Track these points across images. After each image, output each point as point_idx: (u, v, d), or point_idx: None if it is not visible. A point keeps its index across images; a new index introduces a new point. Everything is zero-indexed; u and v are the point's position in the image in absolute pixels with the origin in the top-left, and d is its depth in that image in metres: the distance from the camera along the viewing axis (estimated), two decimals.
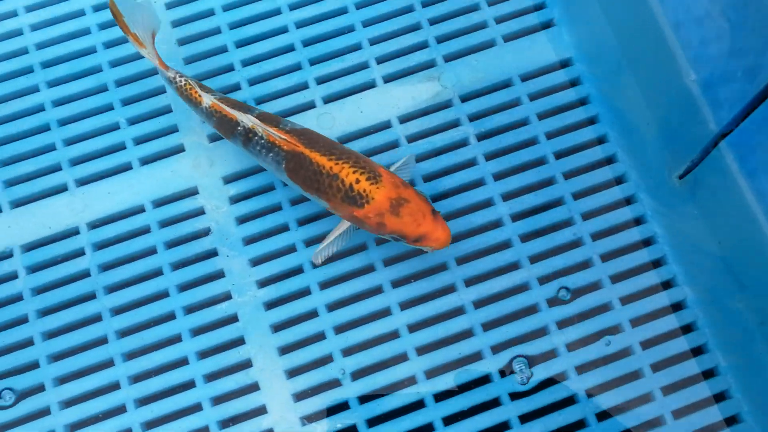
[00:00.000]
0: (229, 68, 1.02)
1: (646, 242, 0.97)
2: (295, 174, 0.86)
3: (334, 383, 0.92)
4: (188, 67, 1.02)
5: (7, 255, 0.96)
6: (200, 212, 0.97)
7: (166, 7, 1.04)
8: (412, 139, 1.00)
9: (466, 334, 0.93)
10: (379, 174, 0.84)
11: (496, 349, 0.92)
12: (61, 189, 0.98)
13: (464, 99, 1.01)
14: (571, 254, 0.95)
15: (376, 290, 0.94)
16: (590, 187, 0.98)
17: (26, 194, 0.98)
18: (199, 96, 0.89)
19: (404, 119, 1.01)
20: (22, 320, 0.94)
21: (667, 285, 0.95)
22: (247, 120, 0.87)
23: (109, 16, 1.03)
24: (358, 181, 0.83)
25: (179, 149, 1.00)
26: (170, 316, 0.94)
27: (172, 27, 1.04)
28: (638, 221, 0.97)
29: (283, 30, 1.04)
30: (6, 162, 0.99)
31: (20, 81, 1.01)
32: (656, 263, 0.96)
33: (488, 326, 0.93)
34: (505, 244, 0.96)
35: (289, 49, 1.03)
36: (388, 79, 1.02)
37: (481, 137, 0.99)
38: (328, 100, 1.01)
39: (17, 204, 0.98)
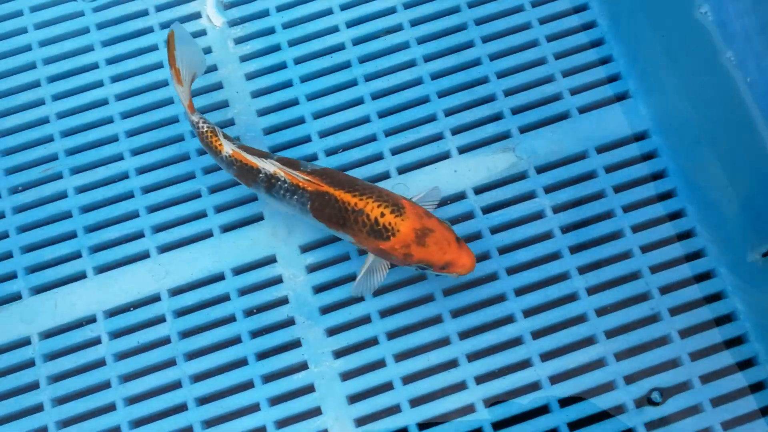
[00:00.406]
0: (307, 139, 1.05)
1: (726, 318, 0.95)
2: (321, 213, 0.88)
3: None
4: (267, 137, 1.04)
5: (90, 320, 0.98)
6: (278, 281, 0.99)
7: (245, 78, 1.07)
8: (486, 210, 1.00)
9: None
10: (403, 206, 0.86)
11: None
12: (144, 255, 1.01)
13: (540, 170, 1.01)
14: (648, 330, 0.95)
15: (451, 364, 0.95)
16: (668, 261, 0.97)
17: (110, 260, 1.00)
18: (220, 144, 0.91)
19: (479, 190, 1.01)
20: (105, 385, 0.96)
21: (748, 363, 0.93)
22: (269, 166, 0.89)
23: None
24: (383, 215, 0.84)
25: (258, 217, 1.02)
26: (248, 385, 0.95)
27: (252, 98, 1.07)
28: (717, 297, 0.96)
29: (359, 101, 1.06)
30: (92, 228, 1.02)
31: (105, 149, 1.05)
32: (737, 340, 0.94)
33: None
34: (581, 318, 0.96)
35: (365, 120, 1.05)
36: (463, 149, 1.03)
37: (557, 209, 1.00)
38: (403, 170, 1.03)
39: (101, 270, 1.01)
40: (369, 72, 1.07)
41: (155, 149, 1.05)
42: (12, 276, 1.00)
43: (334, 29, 1.09)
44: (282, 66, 1.08)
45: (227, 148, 0.91)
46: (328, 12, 1.10)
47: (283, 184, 0.88)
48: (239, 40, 1.09)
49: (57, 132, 1.05)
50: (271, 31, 1.10)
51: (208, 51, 1.08)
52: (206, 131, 0.93)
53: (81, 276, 1.00)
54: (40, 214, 1.02)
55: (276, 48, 1.09)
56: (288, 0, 1.11)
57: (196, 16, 1.10)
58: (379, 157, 1.04)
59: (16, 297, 1.00)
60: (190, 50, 0.95)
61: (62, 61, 1.09)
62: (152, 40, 1.09)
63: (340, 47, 1.09)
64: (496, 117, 1.05)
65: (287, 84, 1.07)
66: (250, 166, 0.90)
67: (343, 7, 1.10)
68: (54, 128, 1.06)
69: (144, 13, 1.10)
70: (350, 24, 1.10)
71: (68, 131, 1.06)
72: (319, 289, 0.99)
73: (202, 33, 1.09)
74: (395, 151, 1.04)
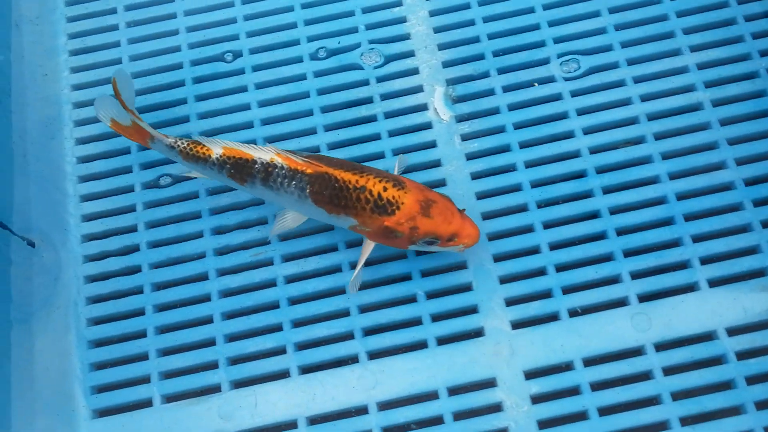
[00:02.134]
0: (534, 250, 0.96)
1: None
2: (320, 195, 0.86)
3: None
4: (491, 243, 0.96)
5: (290, 425, 0.91)
6: (497, 408, 0.89)
7: (471, 177, 1.00)
8: (742, 355, 0.88)
9: None
10: (403, 181, 0.86)
11: None
12: (352, 359, 0.93)
13: None
14: None
15: None
16: None
17: (316, 360, 0.93)
18: (207, 149, 0.89)
19: (732, 331, 0.90)
20: None
21: None
22: (265, 154, 0.87)
23: None
24: (385, 189, 0.84)
25: (478, 332, 0.93)
26: None
27: (477, 199, 0.99)
28: None
29: (594, 214, 0.97)
30: (299, 322, 0.95)
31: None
32: None
33: None
34: None
35: (600, 236, 0.96)
36: (714, 282, 0.92)
37: None
38: (644, 298, 0.93)
39: (306, 369, 0.93)
40: (606, 184, 0.99)
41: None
42: (213, 365, 0.94)
43: (569, 134, 1.02)
44: (510, 168, 1.01)
45: (216, 149, 0.88)
46: (563, 116, 1.03)
47: (281, 171, 0.86)
48: (466, 137, 1.03)
49: (270, 215, 1.01)
50: (500, 129, 1.03)
51: (433, 145, 1.02)
52: (187, 145, 0.90)
53: (284, 374, 0.93)
54: (246, 301, 0.97)
55: (505, 149, 1.02)
56: (517, 100, 1.04)
57: (423, 108, 1.05)
58: (616, 279, 0.94)
59: (216, 389, 0.93)
60: (124, 86, 0.93)
61: None
62: (375, 128, 1.04)
63: (575, 154, 1.01)
64: (752, 250, 0.94)
65: (515, 188, 1.00)
66: (245, 158, 0.87)
67: (581, 112, 1.03)
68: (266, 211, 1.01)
69: (368, 101, 1.06)
70: (587, 131, 1.02)
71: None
72: (545, 424, 0.88)
73: (427, 126, 1.04)
74: (635, 275, 0.94)
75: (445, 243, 0.85)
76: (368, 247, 0.90)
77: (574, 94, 1.04)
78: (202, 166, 0.91)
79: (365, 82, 1.07)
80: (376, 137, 1.04)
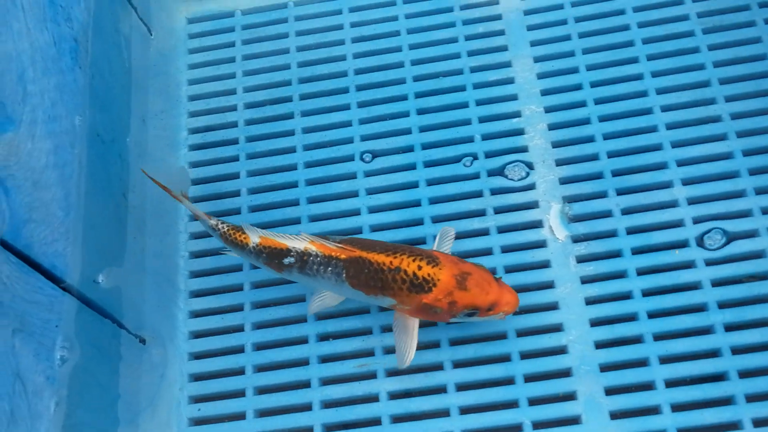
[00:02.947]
0: (649, 385, 0.92)
1: None
2: (357, 280, 0.87)
3: None
4: (602, 374, 0.92)
5: None
6: None
7: (585, 302, 0.97)
8: None
9: None
10: (436, 257, 0.87)
11: None
12: None
13: None
14: None
15: None
16: None
17: None
18: (245, 237, 0.91)
19: None
20: None
21: None
22: (299, 243, 0.88)
23: None
24: (420, 268, 0.85)
25: None
26: None
27: (590, 326, 0.96)
28: None
29: (714, 352, 0.93)
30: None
31: None
32: None
33: None
34: None
35: (720, 376, 0.91)
36: None
37: None
38: None
39: None
40: (728, 320, 0.94)
41: None
42: None
43: (690, 264, 0.98)
44: (626, 295, 0.97)
45: (254, 238, 0.91)
46: (683, 244, 0.99)
47: (316, 258, 0.88)
48: (582, 259, 1.00)
49: (376, 325, 0.99)
50: (617, 254, 1.00)
51: (546, 265, 1.00)
52: (228, 230, 0.93)
53: None
54: (348, 414, 0.95)
55: (621, 274, 0.98)
56: (639, 223, 1.01)
57: (538, 224, 1.03)
58: (735, 425, 0.88)
59: None
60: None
61: None
62: (487, 243, 1.02)
63: (695, 286, 0.96)
64: None
65: (631, 316, 0.96)
66: (280, 248, 0.89)
67: (700, 242, 0.99)
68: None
69: (481, 213, 1.04)
70: (709, 262, 0.97)
71: None
72: None
73: (542, 244, 1.01)
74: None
75: (485, 313, 0.87)
76: (413, 323, 0.90)
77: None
78: (240, 252, 0.94)
79: (478, 194, 1.06)
80: (488, 252, 1.02)
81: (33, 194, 0.85)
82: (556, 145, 1.07)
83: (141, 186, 1.06)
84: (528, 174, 1.05)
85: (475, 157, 1.07)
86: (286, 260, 0.90)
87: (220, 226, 0.94)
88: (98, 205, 0.96)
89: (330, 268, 0.88)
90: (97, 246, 0.94)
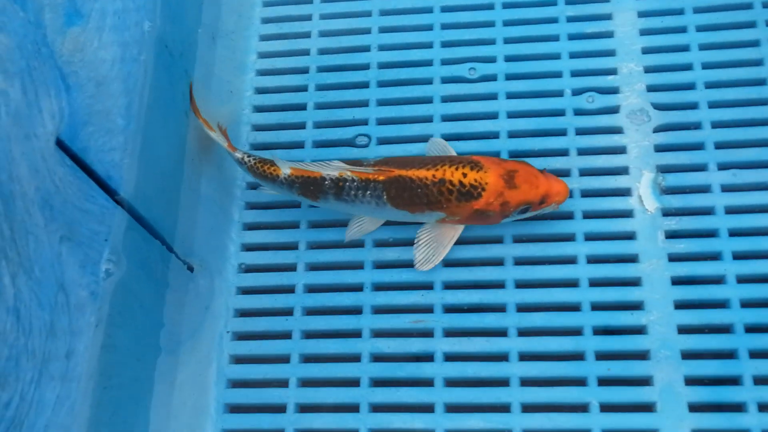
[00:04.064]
0: (736, 380, 0.83)
1: None
2: (400, 199, 0.85)
3: None
4: (685, 361, 0.84)
5: None
6: None
7: (671, 282, 0.88)
8: None
9: None
10: (477, 161, 0.85)
11: None
12: None
13: None
14: None
15: None
16: None
17: None
18: (275, 169, 0.88)
19: None
20: None
21: None
22: (332, 170, 0.85)
23: None
24: (465, 175, 0.84)
25: None
26: None
27: (674, 308, 0.87)
28: None
29: None
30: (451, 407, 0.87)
31: None
32: None
33: None
34: None
35: None
36: None
37: None
38: None
39: None
40: None
41: None
42: None
43: None
44: (719, 279, 0.88)
45: (284, 169, 0.88)
46: None
47: (352, 183, 0.85)
48: (671, 234, 0.91)
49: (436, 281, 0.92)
50: (712, 233, 0.91)
51: (632, 236, 0.91)
52: (256, 163, 0.90)
53: None
54: (398, 371, 0.89)
55: (716, 255, 0.89)
56: (740, 203, 0.91)
57: (626, 192, 0.94)
58: None
59: None
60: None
61: None
62: (569, 206, 0.94)
63: None
64: None
65: (721, 303, 0.87)
66: (314, 177, 0.86)
67: None
68: None
69: (566, 173, 0.96)
70: None
71: None
72: None
73: (628, 214, 0.92)
74: None
75: (537, 207, 0.86)
76: (456, 231, 0.88)
77: None
78: (272, 185, 0.90)
79: (564, 151, 0.97)
80: (569, 216, 0.93)
81: (95, 97, 0.79)
82: (655, 107, 0.98)
83: (204, 106, 0.99)
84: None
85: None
86: (321, 188, 0.86)
87: (246, 159, 0.90)
88: (160, 120, 0.89)
89: (369, 192, 0.85)
90: (155, 163, 0.88)
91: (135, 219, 0.83)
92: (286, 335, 0.92)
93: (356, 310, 0.92)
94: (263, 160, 0.90)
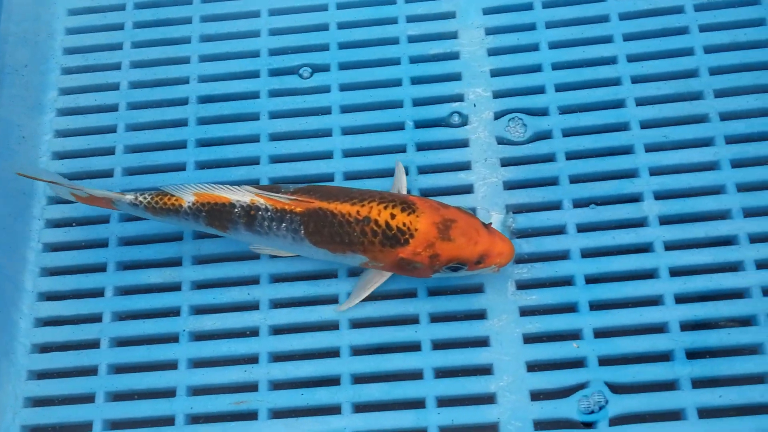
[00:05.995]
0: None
1: None
2: (319, 235, 0.74)
3: None
4: None
5: None
6: None
7: None
8: None
9: None
10: (412, 201, 0.74)
11: None
12: None
13: None
14: None
15: None
16: None
17: None
18: (177, 199, 0.76)
19: None
20: None
21: None
22: (244, 196, 0.74)
23: None
24: (393, 216, 0.72)
25: None
26: None
27: None
28: None
29: None
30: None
31: None
32: None
33: None
34: None
35: None
36: None
37: None
38: None
39: None
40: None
41: None
42: None
43: (658, 299, 0.79)
44: (575, 334, 0.78)
45: (188, 197, 0.75)
46: (652, 274, 0.80)
47: (266, 213, 0.74)
48: (522, 285, 0.80)
49: None
50: (567, 281, 0.80)
51: (480, 290, 0.80)
52: (152, 199, 0.77)
53: None
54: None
55: (571, 308, 0.79)
56: (593, 246, 0.81)
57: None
58: None
59: None
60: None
61: None
62: None
63: (661, 327, 0.78)
64: None
65: (577, 362, 0.77)
66: (222, 203, 0.74)
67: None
68: None
69: None
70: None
71: None
72: None
73: None
74: None
75: (474, 266, 0.73)
76: (380, 278, 0.78)
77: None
78: (175, 219, 0.76)
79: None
80: None
81: None
82: (500, 141, 0.88)
83: None
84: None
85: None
86: (230, 217, 0.74)
87: (140, 198, 0.77)
88: None
89: (284, 224, 0.74)
90: None
91: None
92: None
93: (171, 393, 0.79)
94: (159, 193, 0.76)
